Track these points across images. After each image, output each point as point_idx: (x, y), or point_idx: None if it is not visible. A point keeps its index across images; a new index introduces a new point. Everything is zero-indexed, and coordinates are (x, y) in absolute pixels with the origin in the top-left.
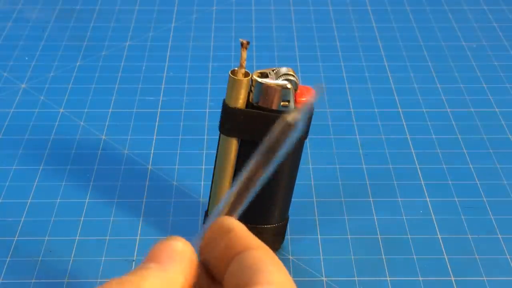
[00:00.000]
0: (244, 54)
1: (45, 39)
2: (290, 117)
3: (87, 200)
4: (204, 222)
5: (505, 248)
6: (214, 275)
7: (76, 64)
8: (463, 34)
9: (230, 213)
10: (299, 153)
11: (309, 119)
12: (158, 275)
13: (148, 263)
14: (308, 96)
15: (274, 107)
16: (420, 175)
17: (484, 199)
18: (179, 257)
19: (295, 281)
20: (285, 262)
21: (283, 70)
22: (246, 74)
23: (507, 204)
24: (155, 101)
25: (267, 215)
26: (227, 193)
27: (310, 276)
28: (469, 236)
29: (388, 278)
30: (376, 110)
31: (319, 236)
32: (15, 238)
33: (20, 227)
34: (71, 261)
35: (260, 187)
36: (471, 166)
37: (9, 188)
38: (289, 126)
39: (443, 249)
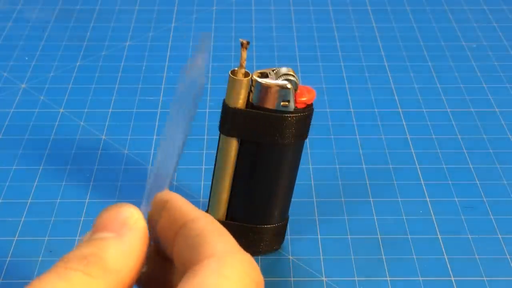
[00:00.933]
0: (244, 54)
1: (45, 39)
2: (189, 74)
3: (87, 200)
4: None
5: (505, 248)
6: (164, 253)
7: (76, 64)
8: (463, 34)
9: (161, 184)
10: (299, 153)
11: (309, 119)
12: (117, 244)
13: (100, 232)
14: (310, 95)
15: (274, 107)
16: (420, 175)
17: (484, 199)
18: (135, 226)
19: (295, 281)
20: (285, 262)
21: (283, 70)
22: (246, 74)
23: (507, 204)
24: (155, 101)
25: (267, 215)
26: (154, 165)
27: (310, 276)
28: (469, 236)
29: (388, 278)
30: (376, 110)
31: (319, 236)
32: (15, 238)
33: (20, 227)
34: None
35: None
36: (471, 166)
37: (9, 188)
38: (192, 82)
39: (443, 249)
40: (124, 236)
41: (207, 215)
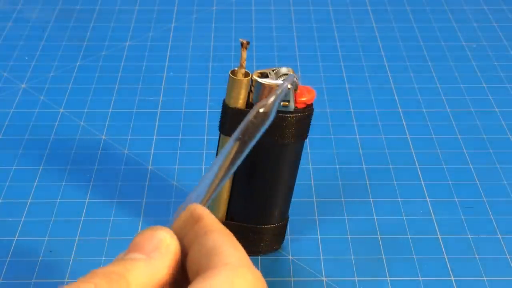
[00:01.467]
0: (244, 54)
1: (45, 39)
2: (262, 107)
3: (87, 200)
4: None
5: (505, 248)
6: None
7: (76, 64)
8: (463, 34)
9: (202, 201)
10: (299, 153)
11: (309, 119)
12: (144, 266)
13: (132, 253)
14: (310, 95)
15: None
16: (420, 175)
17: (484, 199)
18: (165, 249)
19: (295, 281)
20: (285, 262)
21: (283, 70)
22: (246, 74)
23: (507, 204)
24: (155, 101)
25: (267, 215)
26: (201, 181)
27: (310, 276)
28: (469, 236)
29: (388, 278)
30: (376, 110)
31: (319, 236)
32: (15, 238)
33: (20, 227)
34: (71, 261)
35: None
36: (471, 166)
37: (9, 188)
38: (262, 116)
39: (443, 249)
40: (153, 259)
41: (225, 228)
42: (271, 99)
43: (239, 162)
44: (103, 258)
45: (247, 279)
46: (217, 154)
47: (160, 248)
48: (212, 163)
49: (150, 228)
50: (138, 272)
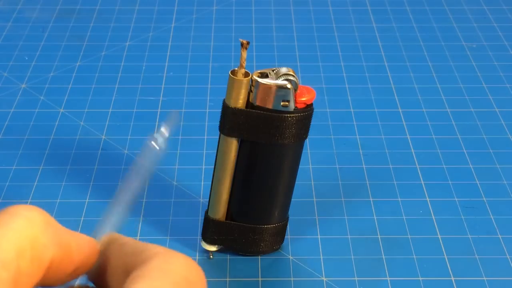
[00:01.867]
0: (244, 54)
1: (45, 39)
2: (154, 143)
3: (87, 200)
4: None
5: (505, 248)
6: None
7: (76, 64)
8: (463, 34)
9: (110, 227)
10: (299, 153)
11: (309, 119)
12: None
13: None
14: (310, 95)
15: (274, 107)
16: (420, 175)
17: (484, 199)
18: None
19: (295, 281)
20: (285, 262)
21: (283, 70)
22: (246, 74)
23: (507, 204)
24: (155, 101)
25: (267, 215)
26: (108, 211)
27: (310, 276)
28: (469, 236)
29: (388, 278)
30: (376, 110)
31: (319, 236)
32: None
33: None
34: None
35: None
36: (471, 166)
37: (9, 188)
38: (154, 149)
39: (443, 249)
40: None
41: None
42: (161, 137)
43: (136, 191)
44: None
45: (181, 261)
46: (217, 154)
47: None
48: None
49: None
50: None
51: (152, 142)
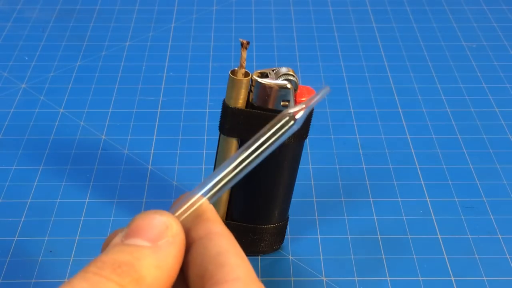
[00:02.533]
0: (244, 54)
1: (45, 39)
2: (292, 112)
3: (87, 200)
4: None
5: (505, 248)
6: None
7: (76, 64)
8: (463, 34)
9: (208, 196)
10: (299, 153)
11: (309, 119)
12: (153, 257)
13: (134, 237)
14: (310, 95)
15: (274, 107)
16: (420, 175)
17: (484, 199)
18: (173, 239)
19: (295, 281)
20: (285, 262)
21: (283, 70)
22: (246, 74)
23: (507, 204)
24: (155, 101)
25: (267, 215)
26: (210, 176)
27: (310, 276)
28: (469, 236)
29: (388, 278)
30: (376, 110)
31: (319, 236)
32: (15, 238)
33: (20, 227)
34: (71, 261)
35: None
36: (471, 166)
37: (9, 188)
38: (289, 121)
39: (443, 249)
40: (161, 249)
41: (229, 232)
42: (302, 107)
43: (256, 162)
44: None
45: None
46: (217, 154)
47: (167, 237)
48: (227, 160)
49: (152, 212)
50: (147, 263)
51: (292, 112)
